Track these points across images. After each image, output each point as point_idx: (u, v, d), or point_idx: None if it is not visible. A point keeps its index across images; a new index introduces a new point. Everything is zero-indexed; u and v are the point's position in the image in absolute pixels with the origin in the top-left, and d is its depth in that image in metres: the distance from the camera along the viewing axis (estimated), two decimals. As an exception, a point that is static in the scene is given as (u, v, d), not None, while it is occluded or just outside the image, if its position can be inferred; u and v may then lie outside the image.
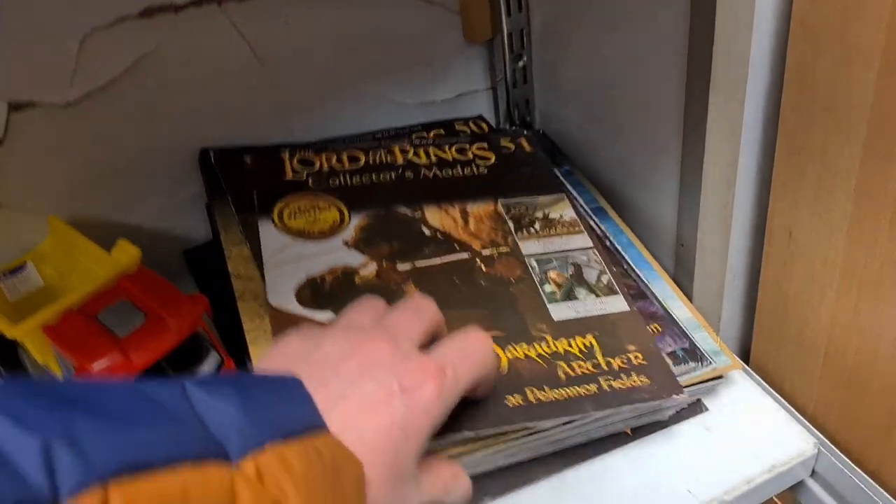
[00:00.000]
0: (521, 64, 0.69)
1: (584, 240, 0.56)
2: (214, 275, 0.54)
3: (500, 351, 0.45)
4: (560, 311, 0.49)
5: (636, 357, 0.47)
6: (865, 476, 0.45)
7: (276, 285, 0.48)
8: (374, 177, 0.59)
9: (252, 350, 0.46)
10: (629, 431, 0.48)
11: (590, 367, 0.45)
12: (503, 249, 0.54)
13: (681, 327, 0.49)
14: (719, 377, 0.49)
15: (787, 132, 0.46)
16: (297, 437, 0.26)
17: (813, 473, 0.48)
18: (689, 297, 0.56)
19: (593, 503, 0.44)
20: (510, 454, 0.45)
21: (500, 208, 0.57)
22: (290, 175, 0.58)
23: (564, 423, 0.44)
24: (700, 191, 0.51)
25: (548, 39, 0.67)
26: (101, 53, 0.55)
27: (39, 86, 0.54)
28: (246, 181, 0.57)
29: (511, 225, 0.56)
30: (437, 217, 0.56)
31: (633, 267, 0.53)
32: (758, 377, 0.51)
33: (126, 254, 0.51)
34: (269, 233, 0.52)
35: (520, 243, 0.54)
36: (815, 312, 0.49)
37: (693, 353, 0.48)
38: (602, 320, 0.49)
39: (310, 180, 0.57)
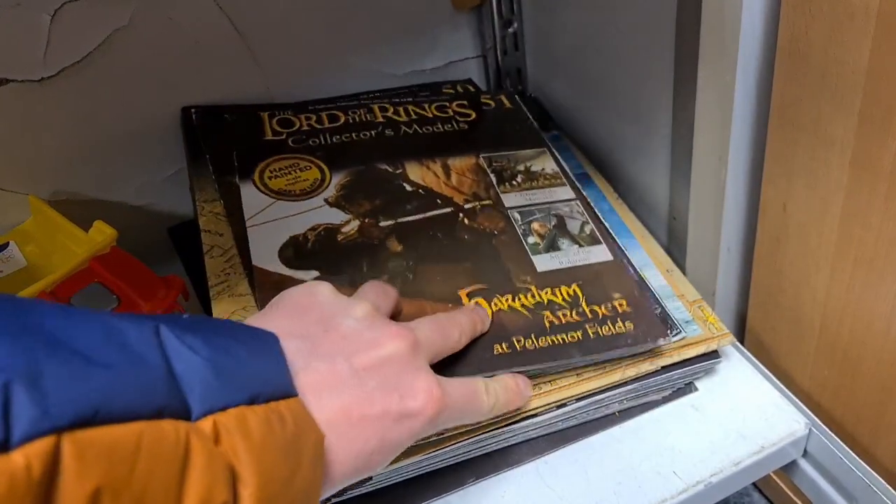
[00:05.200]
0: (511, 31, 0.67)
1: (566, 192, 0.55)
2: (199, 251, 0.53)
3: (484, 303, 0.45)
4: (544, 262, 0.49)
5: (620, 305, 0.46)
6: (856, 457, 0.44)
7: (259, 246, 0.48)
8: (353, 135, 0.58)
9: (214, 306, 0.45)
10: (616, 413, 0.47)
11: (574, 316, 0.45)
12: (486, 202, 0.53)
13: (654, 294, 0.48)
14: (716, 356, 0.48)
15: (779, 102, 0.44)
16: (264, 399, 0.26)
17: (805, 454, 0.47)
18: (683, 270, 0.55)
19: (578, 486, 0.43)
20: (503, 438, 0.44)
21: (482, 162, 0.57)
22: (269, 135, 0.57)
23: (557, 408, 0.44)
24: (691, 163, 0.50)
25: (538, 5, 0.65)
26: (73, 28, 0.53)
27: (12, 62, 0.53)
28: (226, 142, 0.56)
29: (493, 178, 0.55)
30: (418, 172, 0.55)
31: (612, 233, 0.52)
32: (750, 355, 0.50)
33: (102, 234, 0.50)
34: (250, 194, 0.51)
35: (502, 196, 0.54)
36: (809, 288, 0.48)
37: (664, 321, 0.46)
38: (586, 270, 0.49)
39: (290, 140, 0.57)
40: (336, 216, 0.50)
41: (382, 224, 0.50)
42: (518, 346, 0.43)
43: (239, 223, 0.49)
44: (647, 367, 0.45)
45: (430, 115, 0.61)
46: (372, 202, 0.52)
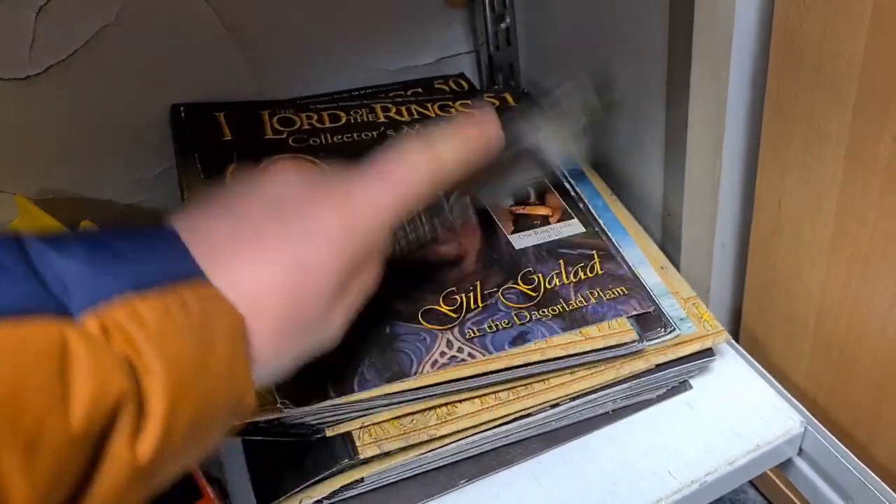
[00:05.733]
0: (503, 26, 0.66)
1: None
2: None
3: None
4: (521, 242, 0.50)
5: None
6: (852, 456, 0.43)
7: None
8: (355, 135, 0.57)
9: None
10: (610, 412, 0.46)
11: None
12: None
13: (648, 292, 0.48)
14: (711, 354, 0.47)
15: (774, 96, 0.43)
16: (157, 287, 0.25)
17: (800, 452, 0.47)
18: (677, 267, 0.55)
19: (572, 486, 0.43)
20: (496, 439, 0.43)
21: None
22: (270, 134, 0.56)
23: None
24: (685, 159, 0.49)
25: (530, 0, 0.64)
26: (59, 25, 0.52)
27: (-3, 60, 0.52)
28: (217, 141, 0.55)
29: None
30: None
31: (606, 230, 0.51)
32: (745, 352, 0.49)
33: (88, 235, 0.49)
34: None
35: None
36: (804, 284, 0.48)
37: (657, 319, 0.46)
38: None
39: (290, 139, 0.56)
40: None
41: None
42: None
43: None
44: (640, 365, 0.44)
45: (433, 115, 0.60)
46: None
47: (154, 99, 0.58)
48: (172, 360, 0.24)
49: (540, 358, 0.42)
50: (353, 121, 0.58)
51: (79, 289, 0.23)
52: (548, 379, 0.43)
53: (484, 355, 0.41)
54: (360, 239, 0.31)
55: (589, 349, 0.43)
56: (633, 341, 0.44)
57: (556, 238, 0.50)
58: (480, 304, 0.44)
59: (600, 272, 0.48)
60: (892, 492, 0.42)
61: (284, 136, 0.56)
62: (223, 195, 0.31)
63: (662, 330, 0.45)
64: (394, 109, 0.60)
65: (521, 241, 0.49)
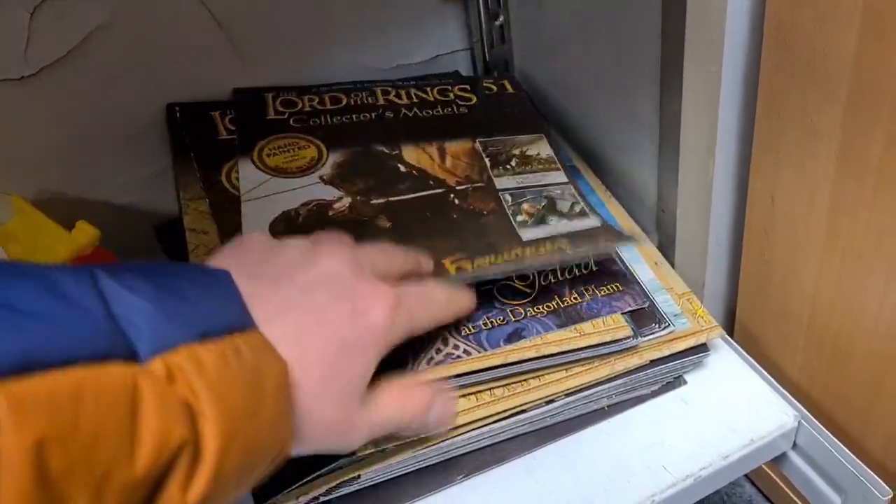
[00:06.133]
0: (497, 23, 0.66)
1: (559, 176, 0.56)
2: (185, 250, 0.52)
3: (467, 264, 0.45)
4: (529, 233, 0.49)
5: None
6: (846, 449, 0.44)
7: (251, 220, 0.48)
8: (354, 117, 0.58)
9: None
10: (606, 407, 0.47)
11: (553, 249, 0.47)
12: (478, 185, 0.53)
13: (642, 288, 0.48)
14: (705, 350, 0.47)
15: (766, 94, 0.43)
16: (217, 336, 0.26)
17: (795, 446, 0.47)
18: (672, 263, 0.55)
19: (567, 481, 0.43)
20: (491, 435, 0.44)
21: (478, 146, 0.57)
22: (272, 114, 0.57)
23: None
24: (679, 156, 0.49)
25: (525, -3, 0.65)
26: (53, 25, 0.53)
27: (-8, 61, 0.52)
28: (217, 140, 0.55)
29: (487, 161, 0.56)
30: (413, 155, 0.55)
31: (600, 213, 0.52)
32: (739, 348, 0.50)
33: (85, 234, 0.49)
34: (247, 169, 0.52)
35: (495, 179, 0.54)
36: (797, 280, 0.48)
37: (652, 315, 0.46)
38: (572, 234, 0.49)
39: (291, 120, 0.57)
40: (329, 193, 0.51)
41: (374, 202, 0.51)
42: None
43: (225, 215, 0.49)
44: (635, 361, 0.44)
45: (432, 99, 0.61)
46: (366, 181, 0.52)
47: (149, 98, 0.58)
48: (227, 406, 0.25)
49: (535, 354, 0.42)
50: (352, 103, 0.59)
51: (149, 332, 0.24)
52: (542, 375, 0.43)
53: (479, 352, 0.42)
54: (398, 333, 0.34)
55: (584, 345, 0.43)
56: (628, 337, 0.44)
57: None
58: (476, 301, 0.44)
59: (594, 268, 0.49)
60: (884, 484, 0.42)
61: (286, 116, 0.57)
62: (270, 252, 0.34)
63: (657, 325, 0.46)
64: (393, 92, 0.61)
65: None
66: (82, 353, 0.22)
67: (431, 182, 0.53)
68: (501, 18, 0.66)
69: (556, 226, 0.50)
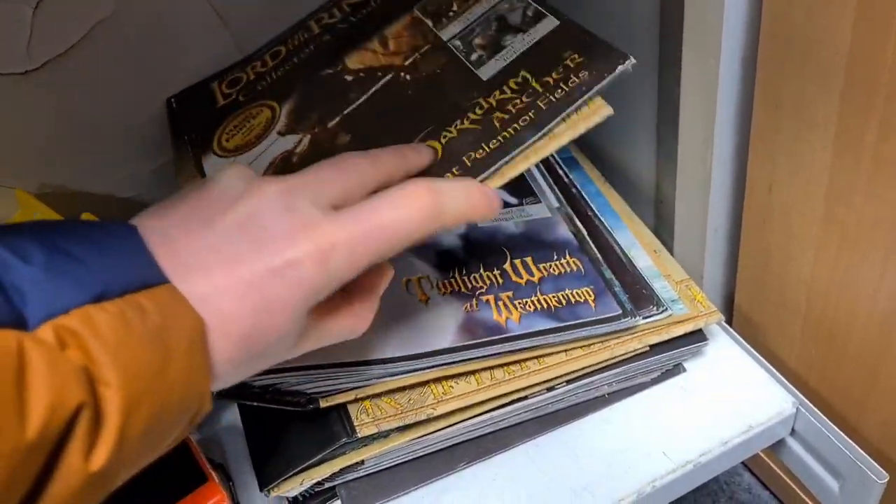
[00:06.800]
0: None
1: None
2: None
3: (435, 144, 0.41)
4: (488, 70, 0.44)
5: (573, 60, 0.41)
6: (843, 435, 0.44)
7: None
8: (295, 59, 0.55)
9: None
10: (606, 395, 0.47)
11: (524, 99, 0.41)
12: (424, 48, 0.49)
13: (640, 274, 0.48)
14: (703, 339, 0.48)
15: (764, 84, 0.44)
16: (116, 295, 0.25)
17: (793, 432, 0.48)
18: (671, 252, 0.55)
19: (568, 468, 0.44)
20: (493, 423, 0.44)
21: (417, 13, 0.52)
22: (221, 101, 0.56)
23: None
24: (677, 146, 0.50)
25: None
26: (57, 20, 0.53)
27: (-5, 55, 0.53)
28: (192, 122, 0.55)
29: (430, 23, 0.51)
30: (356, 59, 0.52)
31: (598, 214, 0.52)
32: (738, 336, 0.50)
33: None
34: (211, 163, 0.50)
35: (441, 33, 0.49)
36: (795, 268, 0.48)
37: (650, 298, 0.47)
38: (532, 50, 0.44)
39: (240, 96, 0.55)
40: (289, 142, 0.48)
41: (330, 125, 0.48)
42: (468, 162, 0.39)
43: None
44: (634, 344, 0.45)
45: (367, 10, 0.57)
46: (318, 111, 0.49)
47: (152, 93, 0.59)
48: (128, 369, 0.24)
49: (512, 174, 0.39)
50: (292, 48, 0.57)
51: (36, 297, 0.23)
52: (542, 358, 0.44)
53: None
54: (332, 280, 0.30)
55: (556, 148, 0.40)
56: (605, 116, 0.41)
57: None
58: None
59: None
60: (882, 469, 0.43)
61: (234, 96, 0.55)
62: (195, 196, 0.30)
63: (654, 308, 0.46)
64: (326, 16, 0.58)
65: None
66: None
67: (379, 73, 0.49)
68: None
69: (514, 45, 0.45)
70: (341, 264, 0.30)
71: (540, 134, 0.39)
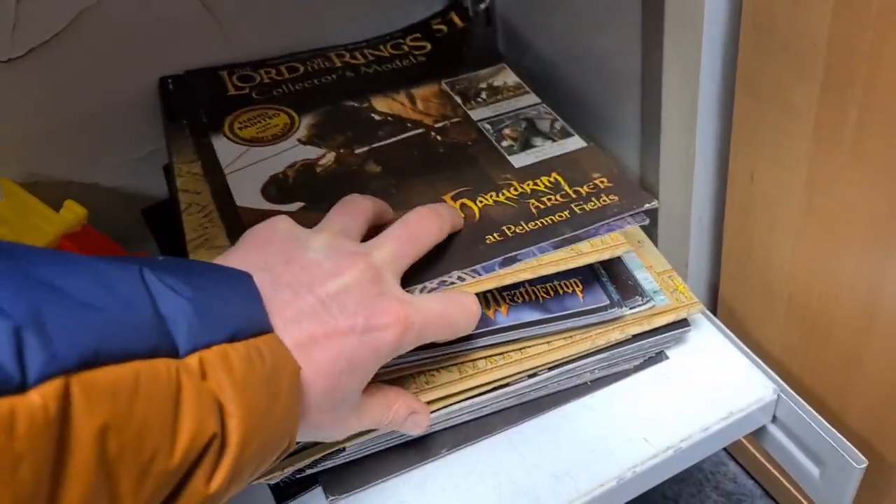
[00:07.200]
0: (483, 6, 0.66)
1: (531, 98, 0.57)
2: (174, 232, 0.53)
3: (470, 203, 0.46)
4: (520, 160, 0.51)
5: (602, 182, 0.48)
6: (824, 421, 0.45)
7: (241, 189, 0.49)
8: (315, 81, 0.59)
9: (193, 257, 0.45)
10: (588, 382, 0.48)
11: (559, 198, 0.47)
12: (455, 119, 0.55)
13: (625, 265, 0.49)
14: (685, 325, 0.48)
15: (745, 74, 0.44)
16: (245, 336, 0.28)
17: (774, 419, 0.48)
18: (655, 242, 0.56)
19: (550, 454, 0.44)
20: (475, 409, 0.44)
21: (445, 87, 0.59)
22: (232, 91, 0.58)
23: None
24: (660, 136, 0.50)
25: (511, -21, 0.65)
26: (41, 7, 0.53)
27: (-21, 43, 0.52)
28: (198, 104, 0.57)
29: (458, 99, 0.57)
30: (384, 104, 0.57)
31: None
32: (720, 323, 0.51)
33: (72, 213, 0.50)
34: (223, 145, 0.53)
35: (470, 112, 0.56)
36: (777, 257, 0.49)
37: (635, 289, 0.47)
38: (563, 158, 0.51)
39: (253, 93, 0.58)
40: (311, 152, 0.52)
41: (358, 151, 0.52)
42: (509, 233, 0.44)
43: (217, 176, 0.50)
44: (616, 335, 0.45)
45: (388, 55, 0.63)
46: (344, 134, 0.53)
47: (136, 80, 0.59)
48: (248, 405, 0.27)
49: (531, 276, 0.43)
50: (310, 69, 0.61)
51: (187, 330, 0.25)
52: (525, 348, 0.44)
53: (474, 278, 0.42)
54: (397, 354, 0.35)
55: (582, 264, 0.44)
56: (629, 252, 0.46)
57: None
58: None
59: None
60: (862, 456, 0.43)
61: (247, 90, 0.58)
62: (290, 256, 0.34)
63: (640, 298, 0.46)
64: (348, 55, 0.63)
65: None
66: (138, 347, 0.23)
67: (409, 125, 0.55)
68: (486, 2, 0.67)
69: (544, 148, 0.51)
70: (410, 341, 0.35)
71: (575, 234, 0.44)
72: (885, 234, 0.40)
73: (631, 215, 0.46)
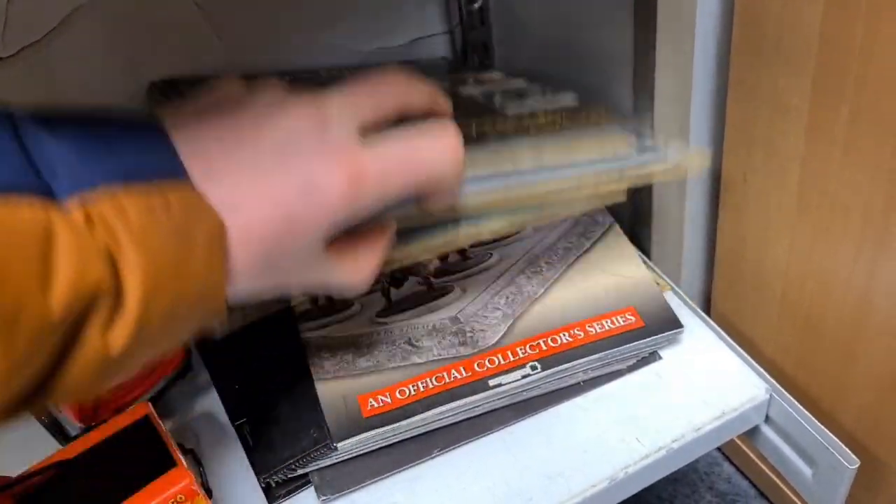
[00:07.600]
0: (476, 5, 0.66)
1: (519, 82, 0.57)
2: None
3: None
4: (514, 110, 0.49)
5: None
6: (816, 421, 0.45)
7: None
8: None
9: None
10: (581, 382, 0.47)
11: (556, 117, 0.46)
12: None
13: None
14: (679, 326, 0.48)
15: (737, 73, 0.44)
16: (142, 182, 0.25)
17: (767, 419, 0.48)
18: (648, 245, 0.56)
19: (543, 455, 0.44)
20: (468, 409, 0.44)
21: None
22: None
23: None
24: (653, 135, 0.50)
25: (504, -21, 0.65)
26: (32, 7, 0.53)
27: (-31, 42, 0.52)
28: None
29: (447, 84, 0.56)
30: None
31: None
32: (713, 324, 0.50)
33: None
34: None
35: (461, 89, 0.55)
36: (770, 256, 0.49)
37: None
38: (556, 109, 0.49)
39: None
40: None
41: None
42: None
43: None
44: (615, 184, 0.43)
45: None
46: None
47: (128, 79, 0.59)
48: (151, 255, 0.24)
49: (533, 165, 0.39)
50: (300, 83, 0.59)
51: (67, 174, 0.23)
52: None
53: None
54: (357, 210, 0.30)
55: (583, 158, 0.41)
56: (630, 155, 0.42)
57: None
58: None
59: None
60: (853, 455, 0.43)
61: None
62: (231, 107, 0.30)
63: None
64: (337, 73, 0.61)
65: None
66: None
67: None
68: (480, 1, 0.66)
69: (537, 101, 0.50)
70: (369, 194, 0.30)
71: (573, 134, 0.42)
72: (877, 232, 0.40)
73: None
